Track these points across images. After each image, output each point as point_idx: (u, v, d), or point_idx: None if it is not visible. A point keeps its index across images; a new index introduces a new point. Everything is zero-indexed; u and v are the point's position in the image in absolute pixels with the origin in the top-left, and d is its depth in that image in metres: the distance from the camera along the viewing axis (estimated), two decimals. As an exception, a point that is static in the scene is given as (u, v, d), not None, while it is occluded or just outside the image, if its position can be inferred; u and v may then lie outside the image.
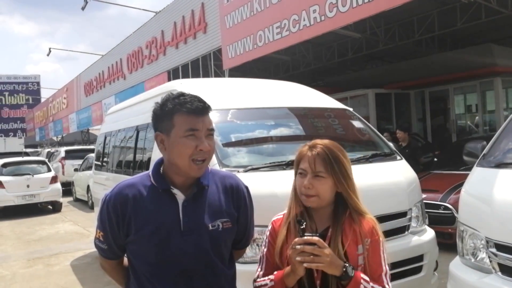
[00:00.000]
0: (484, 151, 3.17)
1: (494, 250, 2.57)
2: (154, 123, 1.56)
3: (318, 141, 1.62)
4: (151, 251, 1.48)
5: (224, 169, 3.26)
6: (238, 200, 1.62)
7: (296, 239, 1.45)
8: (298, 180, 1.59)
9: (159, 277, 1.49)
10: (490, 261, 2.61)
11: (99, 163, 7.12)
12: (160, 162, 1.59)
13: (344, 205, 1.61)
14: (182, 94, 1.52)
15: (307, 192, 1.55)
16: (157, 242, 1.47)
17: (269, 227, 1.69)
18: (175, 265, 1.48)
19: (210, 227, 1.52)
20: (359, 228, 1.56)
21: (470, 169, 3.26)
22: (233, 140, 3.81)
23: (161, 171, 1.56)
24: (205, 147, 1.47)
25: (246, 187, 1.70)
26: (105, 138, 6.83)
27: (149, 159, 4.71)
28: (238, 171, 3.26)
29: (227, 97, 4.23)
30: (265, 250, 1.66)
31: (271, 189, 3.15)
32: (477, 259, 2.74)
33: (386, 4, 7.61)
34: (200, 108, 1.48)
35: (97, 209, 7.03)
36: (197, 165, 1.47)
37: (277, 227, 1.66)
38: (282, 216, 1.69)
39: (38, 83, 51.46)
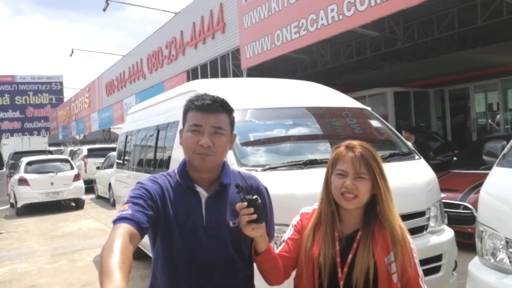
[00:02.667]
0: (504, 151, 3.15)
1: (513, 250, 2.57)
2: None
3: (354, 142, 1.61)
4: (177, 243, 1.54)
5: (242, 168, 3.31)
6: None
7: (238, 204, 1.51)
8: (336, 180, 1.58)
9: (182, 269, 1.55)
10: (510, 262, 2.61)
11: (120, 161, 7.28)
12: (185, 161, 1.66)
13: (375, 208, 1.61)
14: (202, 94, 1.61)
15: (352, 191, 1.55)
16: (183, 234, 1.54)
17: (297, 218, 1.74)
18: (198, 259, 1.55)
19: (231, 224, 1.57)
20: (390, 235, 1.58)
21: (490, 168, 3.24)
22: (251, 139, 3.87)
23: (186, 169, 1.63)
24: (204, 142, 1.51)
25: (266, 188, 1.75)
26: (126, 137, 6.99)
27: (169, 157, 4.81)
28: (256, 170, 3.31)
29: (245, 97, 4.29)
30: (288, 236, 1.71)
31: (289, 188, 3.20)
32: (497, 259, 2.73)
33: (405, 2, 7.55)
34: (205, 105, 1.55)
35: (118, 206, 7.19)
36: (198, 156, 1.53)
37: (305, 221, 1.70)
38: (311, 210, 1.72)
39: (61, 83, 52.61)
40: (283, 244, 1.71)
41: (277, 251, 1.68)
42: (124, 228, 1.36)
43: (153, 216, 1.48)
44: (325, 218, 1.63)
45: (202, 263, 1.55)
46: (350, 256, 1.57)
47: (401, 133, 7.98)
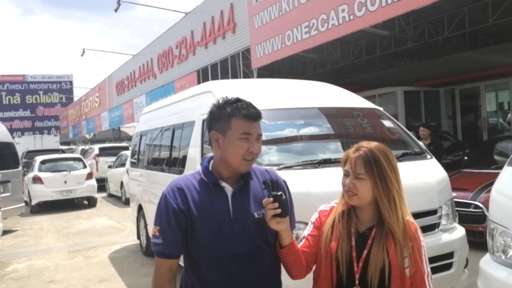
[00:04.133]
0: (515, 151, 3.22)
1: (524, 247, 2.64)
2: (209, 123, 1.74)
3: (364, 143, 1.71)
4: (207, 237, 1.65)
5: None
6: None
7: (264, 200, 1.62)
8: (342, 179, 1.71)
9: (214, 262, 1.66)
10: (520, 258, 2.68)
11: (134, 160, 7.42)
12: (209, 160, 1.77)
13: None
14: (239, 100, 1.71)
15: (349, 191, 1.67)
16: (212, 228, 1.65)
17: (316, 215, 1.84)
18: (228, 250, 1.65)
19: (256, 216, 1.68)
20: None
21: (501, 168, 3.31)
22: (267, 139, 3.95)
23: (210, 167, 1.74)
24: (255, 149, 1.66)
25: (285, 181, 1.86)
26: (141, 136, 7.11)
27: (185, 157, 4.92)
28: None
29: (259, 98, 4.36)
30: (308, 232, 1.81)
31: (304, 186, 3.29)
32: (507, 256, 2.80)
33: (416, 2, 7.59)
34: (254, 115, 1.68)
35: (133, 204, 7.34)
36: (246, 162, 1.68)
37: (323, 218, 1.80)
38: (329, 208, 1.82)
39: (71, 82, 53.23)
40: (303, 240, 1.80)
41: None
42: (166, 265, 1.68)
43: (182, 235, 1.67)
44: (343, 214, 1.74)
45: (232, 254, 1.65)
46: (365, 252, 1.66)
47: (416, 131, 8.03)
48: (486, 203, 5.55)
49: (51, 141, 27.27)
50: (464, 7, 10.25)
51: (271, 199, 1.60)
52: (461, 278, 3.69)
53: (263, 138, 3.85)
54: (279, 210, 1.59)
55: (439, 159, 6.89)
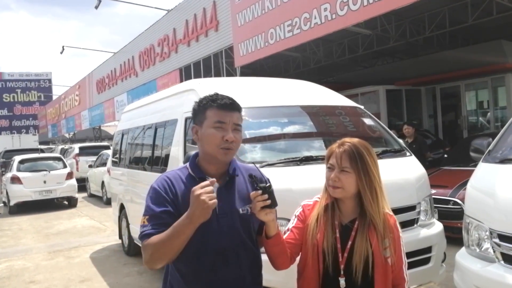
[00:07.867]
0: (490, 148, 3.32)
1: (497, 240, 2.73)
2: (193, 118, 1.80)
3: (347, 139, 1.78)
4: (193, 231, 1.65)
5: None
6: None
7: (252, 193, 1.62)
8: (327, 173, 1.77)
9: (200, 254, 1.68)
10: (494, 251, 2.77)
11: (115, 159, 7.34)
12: (195, 155, 1.80)
13: None
14: (216, 94, 1.75)
15: (334, 184, 1.72)
16: None
17: (300, 209, 1.88)
18: (212, 243, 1.68)
19: (241, 211, 1.71)
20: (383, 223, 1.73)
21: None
22: (250, 137, 3.98)
23: (196, 162, 1.77)
24: (230, 137, 1.67)
25: (268, 179, 1.88)
26: (122, 135, 7.04)
27: (167, 155, 4.90)
28: (255, 167, 3.42)
29: (242, 96, 4.38)
30: (292, 225, 1.84)
31: (286, 183, 3.32)
32: (482, 249, 2.89)
33: (397, 2, 7.70)
34: (227, 104, 1.71)
35: (114, 204, 7.27)
36: (223, 151, 1.68)
37: (307, 211, 1.85)
38: (312, 202, 1.87)
39: (49, 80, 52.09)
40: (288, 232, 1.84)
41: None
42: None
43: (171, 222, 1.63)
44: (326, 208, 1.79)
45: (216, 247, 1.68)
46: (349, 243, 1.73)
47: (399, 130, 8.15)
48: (464, 199, 5.69)
49: (29, 140, 26.77)
50: (444, 7, 10.45)
51: (260, 191, 1.61)
52: (439, 272, 3.78)
53: (247, 136, 3.97)
54: (268, 202, 1.61)
55: (423, 157, 7.07)
